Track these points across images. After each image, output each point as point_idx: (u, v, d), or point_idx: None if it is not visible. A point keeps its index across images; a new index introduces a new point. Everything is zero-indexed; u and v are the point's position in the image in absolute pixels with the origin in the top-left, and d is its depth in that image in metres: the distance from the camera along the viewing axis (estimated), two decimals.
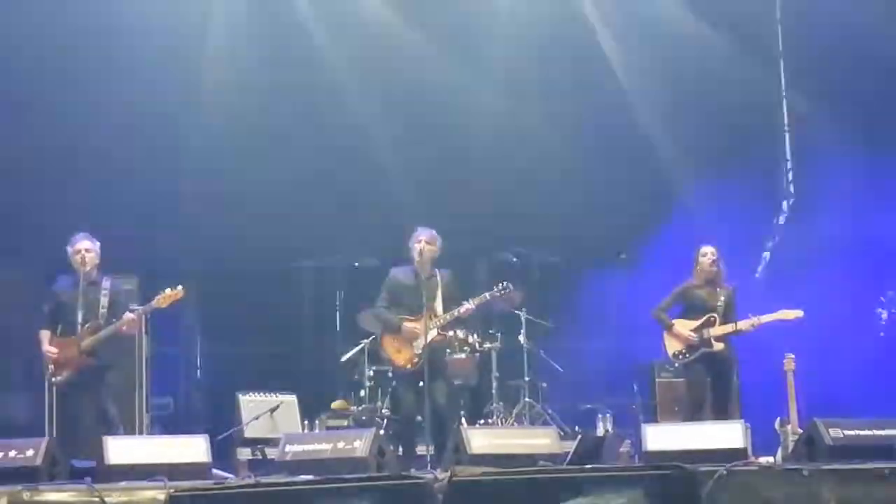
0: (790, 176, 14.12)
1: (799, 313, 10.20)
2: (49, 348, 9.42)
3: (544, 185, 13.36)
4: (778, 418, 9.94)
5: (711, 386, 10.18)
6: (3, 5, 12.70)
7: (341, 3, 13.66)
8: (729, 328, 10.10)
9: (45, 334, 9.54)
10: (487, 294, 9.92)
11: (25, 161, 12.88)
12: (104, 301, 9.45)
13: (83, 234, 9.59)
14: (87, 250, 9.45)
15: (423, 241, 9.70)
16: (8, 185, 12.90)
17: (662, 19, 13.54)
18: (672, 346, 10.28)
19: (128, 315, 9.42)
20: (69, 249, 9.55)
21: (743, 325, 10.08)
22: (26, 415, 11.68)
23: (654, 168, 13.59)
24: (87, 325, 9.37)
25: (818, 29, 13.37)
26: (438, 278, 9.75)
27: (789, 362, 10.11)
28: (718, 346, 10.09)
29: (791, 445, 9.22)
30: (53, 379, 9.42)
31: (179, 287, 9.66)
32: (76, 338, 9.35)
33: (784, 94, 14.09)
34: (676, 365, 10.59)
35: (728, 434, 8.45)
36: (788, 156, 14.10)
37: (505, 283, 9.99)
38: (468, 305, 9.71)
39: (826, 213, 12.87)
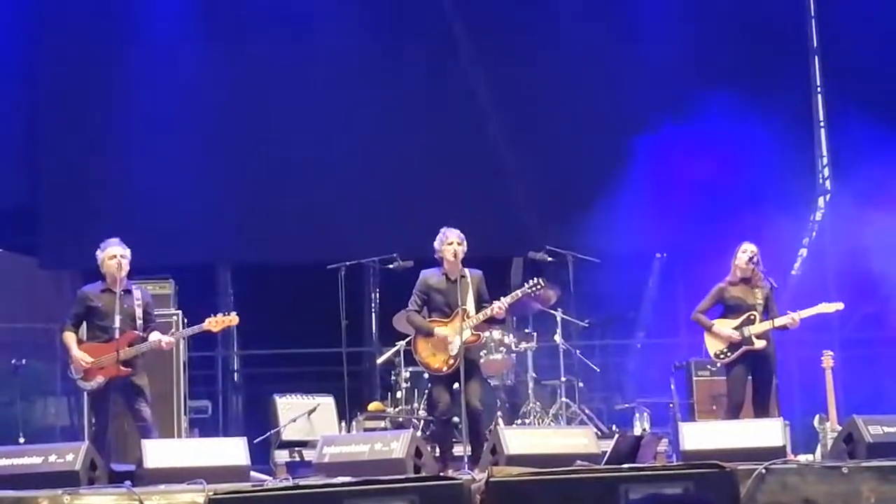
0: (826, 172, 14.04)
1: (839, 306, 10.12)
2: (81, 354, 9.32)
3: (578, 186, 13.32)
4: (817, 416, 9.88)
5: (753, 384, 10.12)
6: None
7: None
8: (768, 325, 10.02)
9: (71, 336, 9.39)
10: (520, 291, 9.89)
11: (60, 167, 12.99)
12: (139, 311, 9.42)
13: (116, 240, 9.51)
14: (122, 256, 9.40)
15: (456, 243, 9.69)
16: (44, 192, 13.02)
17: None
18: (713, 345, 10.22)
19: (165, 339, 9.37)
20: (100, 254, 9.47)
21: (783, 320, 10.01)
22: (65, 420, 11.78)
23: (690, 163, 13.52)
24: (125, 335, 9.29)
25: (853, 27, 13.30)
26: (469, 278, 9.73)
27: (828, 359, 10.04)
28: (760, 343, 10.01)
29: (830, 443, 9.16)
30: (84, 385, 9.34)
31: (234, 314, 9.61)
32: (113, 345, 9.24)
33: (819, 88, 14.00)
34: (719, 364, 10.54)
35: (767, 432, 8.40)
36: (824, 151, 14.02)
37: (537, 280, 9.95)
38: (500, 304, 9.69)
39: (863, 208, 12.77)
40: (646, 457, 8.84)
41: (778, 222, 12.42)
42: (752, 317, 10.10)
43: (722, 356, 10.15)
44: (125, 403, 9.30)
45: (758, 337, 10.03)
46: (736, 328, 10.10)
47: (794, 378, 12.01)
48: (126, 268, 9.38)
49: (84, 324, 9.50)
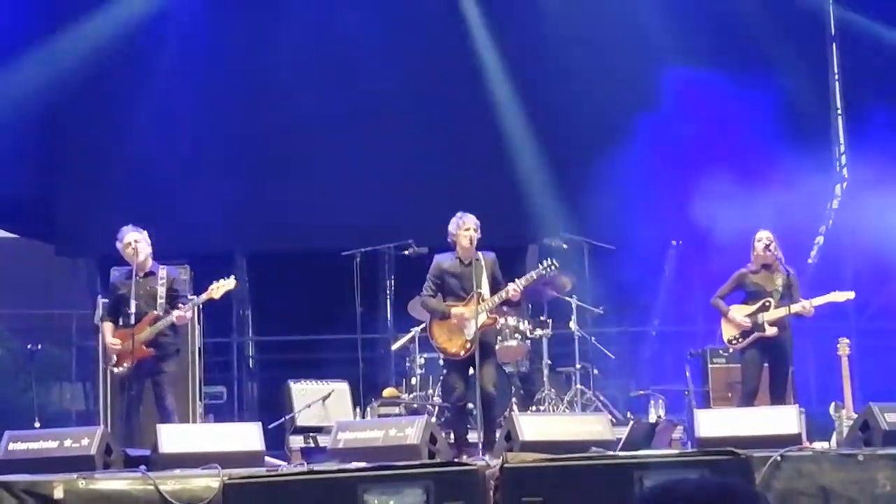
0: (843, 160, 13.98)
1: (850, 295, 10.12)
2: (112, 340, 9.47)
3: (593, 173, 13.29)
4: (833, 403, 9.85)
5: (768, 371, 10.11)
6: None
7: None
8: (783, 311, 10.01)
9: (108, 326, 9.62)
10: (534, 273, 9.88)
11: (74, 155, 13.03)
12: (161, 291, 9.50)
13: (130, 227, 9.63)
14: (136, 241, 9.49)
15: (472, 228, 9.66)
16: (59, 180, 13.06)
17: None
18: (728, 331, 10.24)
19: (177, 313, 9.45)
20: (119, 244, 9.59)
21: (795, 308, 10.00)
22: (80, 404, 11.82)
23: (707, 151, 13.47)
24: (145, 316, 9.41)
25: (871, 12, 13.25)
26: (482, 262, 9.71)
27: (844, 347, 10.02)
28: (772, 330, 10.00)
29: (846, 430, 9.13)
30: (115, 370, 9.48)
31: (231, 277, 9.73)
32: (133, 329, 9.37)
33: (837, 75, 13.94)
34: (731, 351, 10.55)
35: (782, 419, 8.38)
36: (841, 139, 13.96)
37: (552, 261, 9.93)
38: (515, 286, 9.67)
39: (880, 196, 12.72)
40: (661, 444, 8.84)
41: (795, 210, 12.38)
42: (768, 304, 10.09)
43: (735, 342, 10.18)
44: (149, 388, 9.40)
45: (771, 324, 10.02)
46: (751, 314, 10.10)
47: (810, 366, 11.98)
48: (144, 250, 9.50)
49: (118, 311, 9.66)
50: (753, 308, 10.12)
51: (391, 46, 13.55)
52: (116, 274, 9.78)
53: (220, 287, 9.63)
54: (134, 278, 9.38)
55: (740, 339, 10.12)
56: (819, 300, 10.06)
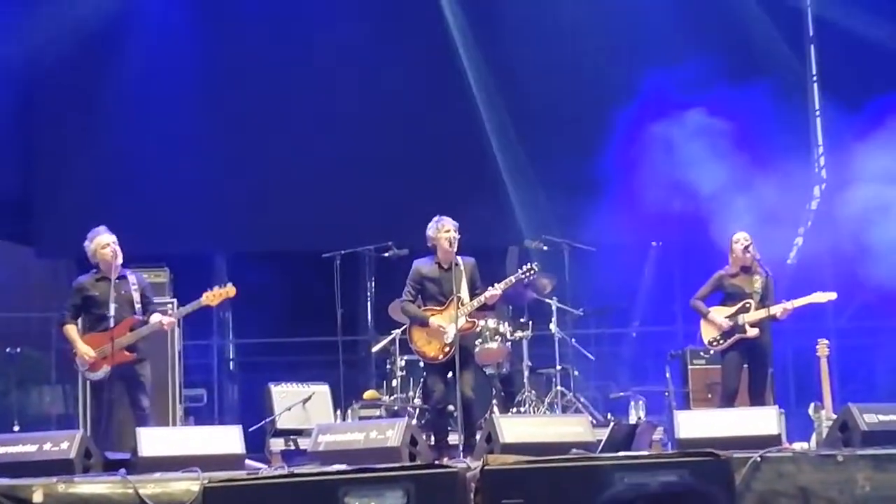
0: (822, 161, 14.03)
1: (832, 295, 10.16)
2: (86, 349, 9.28)
3: (574, 175, 13.31)
4: (812, 404, 9.89)
5: (748, 372, 10.15)
6: None
7: None
8: (763, 313, 10.05)
9: (72, 329, 9.41)
10: (513, 277, 9.91)
11: (56, 157, 12.98)
12: (136, 296, 9.42)
13: (103, 228, 9.47)
14: (114, 243, 9.39)
15: (451, 230, 9.67)
16: (38, 182, 13.01)
17: None
18: (708, 333, 10.28)
19: (165, 318, 9.39)
20: (89, 244, 9.41)
21: (775, 310, 10.05)
22: (60, 408, 11.77)
23: (685, 155, 13.50)
24: (124, 321, 9.31)
25: (849, 12, 13.28)
26: (462, 266, 9.73)
27: (823, 348, 10.06)
28: (753, 331, 10.05)
29: (825, 431, 9.16)
30: (90, 375, 9.36)
31: (230, 285, 9.58)
32: (111, 333, 9.26)
33: (814, 78, 13.98)
34: (712, 352, 10.59)
35: (762, 420, 8.40)
36: (820, 140, 14.00)
37: (531, 265, 9.98)
38: (494, 291, 9.69)
39: (857, 196, 12.77)
40: (641, 445, 8.84)
41: (773, 211, 12.42)
42: (748, 305, 10.14)
43: (715, 343, 10.22)
44: (126, 392, 9.32)
45: (751, 325, 10.07)
46: (731, 316, 10.14)
47: (790, 366, 12.03)
48: (119, 253, 9.37)
49: (82, 314, 9.50)
50: (733, 309, 10.16)
51: (371, 46, 13.53)
52: (83, 276, 9.62)
53: (218, 294, 9.49)
54: (112, 281, 9.27)
55: (721, 341, 10.16)
56: (801, 301, 10.10)
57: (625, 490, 2.93)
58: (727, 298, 10.28)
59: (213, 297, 9.48)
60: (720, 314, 10.20)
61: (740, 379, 10.15)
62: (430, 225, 9.76)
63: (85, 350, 9.26)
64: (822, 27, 13.88)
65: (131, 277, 9.46)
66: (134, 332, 9.28)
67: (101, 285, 9.35)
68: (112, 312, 9.15)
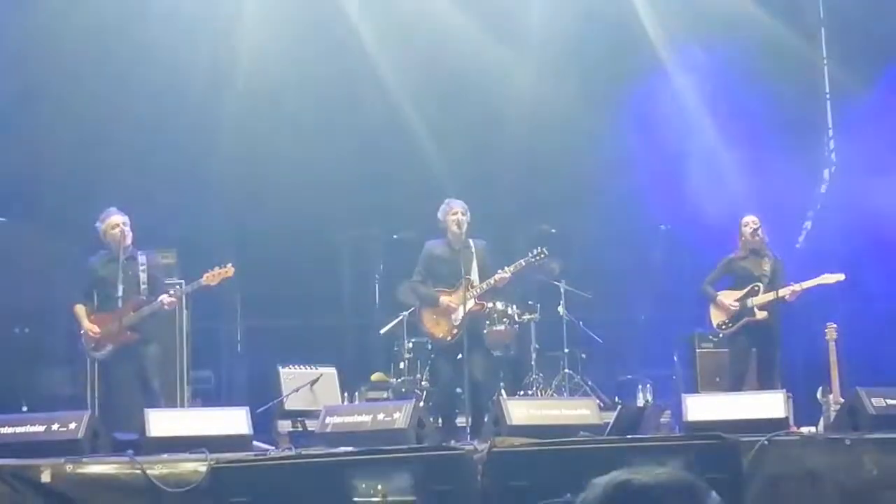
0: (832, 144, 13.98)
1: (840, 277, 10.16)
2: (91, 325, 9.41)
3: (581, 157, 13.28)
4: (820, 388, 9.88)
5: (756, 356, 10.15)
6: None
7: None
8: (771, 296, 10.05)
9: (80, 309, 9.54)
10: (523, 260, 9.91)
11: (64, 137, 12.96)
12: (143, 276, 9.46)
13: (114, 209, 9.58)
14: (123, 223, 9.46)
15: (459, 213, 9.68)
16: (47, 162, 13.00)
17: None
18: (716, 316, 10.29)
19: (167, 298, 9.42)
20: (100, 225, 9.54)
21: (784, 292, 10.04)
22: (68, 388, 11.77)
23: (695, 138, 13.46)
24: (129, 301, 9.38)
25: None
26: (473, 248, 9.73)
27: (831, 331, 10.04)
28: (761, 314, 10.06)
29: (833, 415, 9.16)
30: (95, 354, 9.45)
31: (229, 265, 9.63)
32: (118, 313, 9.34)
33: (825, 60, 13.92)
34: (721, 335, 10.58)
35: (769, 404, 8.39)
36: (830, 123, 13.95)
37: (541, 249, 9.97)
38: (504, 273, 9.69)
39: (868, 180, 12.73)
40: (648, 428, 8.84)
41: (783, 194, 12.39)
42: (756, 288, 10.14)
43: (724, 327, 10.23)
44: (135, 372, 9.38)
45: (760, 308, 10.06)
46: (739, 299, 10.14)
47: (798, 350, 11.99)
48: (129, 234, 9.43)
49: (93, 294, 9.56)
50: (742, 292, 10.16)
51: (379, 36, 13.51)
52: (94, 257, 9.69)
53: (218, 274, 9.55)
54: (120, 260, 9.32)
55: (730, 324, 10.17)
56: (809, 283, 10.10)
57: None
58: (736, 282, 10.29)
59: (212, 276, 9.54)
60: (729, 298, 10.20)
61: (748, 362, 10.14)
62: (440, 208, 9.79)
63: (89, 327, 9.37)
64: (833, 9, 13.80)
65: (141, 258, 9.52)
66: (137, 313, 9.34)
67: (111, 266, 9.43)
68: (120, 293, 9.21)
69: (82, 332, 9.46)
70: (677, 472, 3.01)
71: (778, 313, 10.15)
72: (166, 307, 9.54)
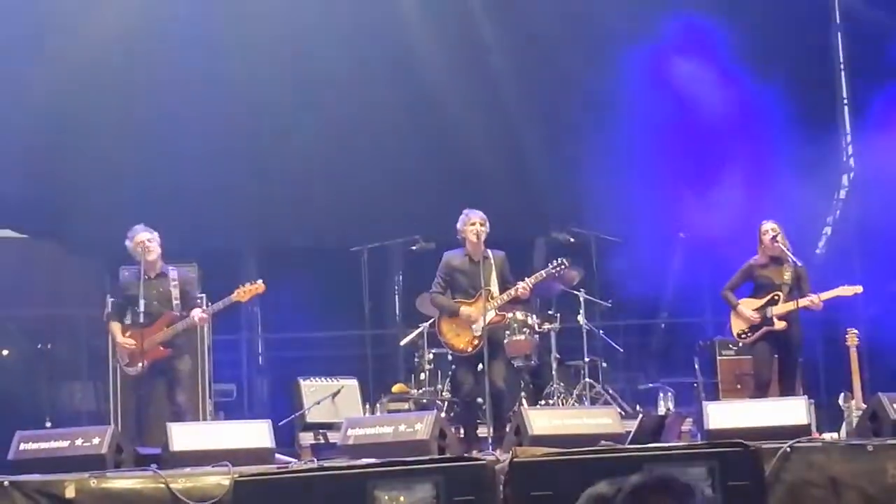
0: (850, 150, 13.95)
1: (858, 289, 10.15)
2: (125, 340, 9.49)
3: (600, 165, 13.28)
4: (842, 394, 9.86)
5: (778, 363, 10.14)
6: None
7: None
8: (791, 306, 10.04)
9: (116, 326, 9.66)
10: (543, 272, 9.92)
11: (83, 155, 13.03)
12: (175, 292, 9.54)
13: (142, 226, 9.67)
14: (149, 240, 9.54)
15: (479, 224, 9.69)
16: (68, 179, 13.06)
17: None
18: (737, 325, 10.30)
19: (199, 314, 9.48)
20: (129, 243, 9.63)
21: (804, 302, 10.03)
22: (91, 404, 11.83)
23: (714, 142, 13.44)
24: (162, 317, 9.46)
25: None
26: (492, 259, 9.74)
27: (853, 337, 10.02)
28: (780, 324, 10.05)
29: (855, 421, 9.13)
30: (129, 370, 9.50)
31: (259, 281, 9.71)
32: (151, 329, 9.43)
33: (842, 66, 13.90)
34: (741, 344, 10.58)
35: (791, 411, 8.38)
36: (848, 129, 13.92)
37: (560, 260, 9.98)
38: (524, 285, 9.69)
39: (887, 185, 12.70)
40: (670, 436, 8.84)
41: (802, 200, 12.37)
42: (777, 297, 10.12)
43: (744, 336, 10.24)
44: (163, 387, 9.44)
45: (780, 318, 10.06)
46: (759, 308, 10.14)
47: (819, 356, 11.98)
48: (155, 250, 9.54)
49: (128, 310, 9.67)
50: (762, 301, 10.16)
51: (396, 42, 13.53)
52: (126, 274, 9.81)
53: (249, 291, 9.64)
54: (142, 277, 9.40)
55: (749, 333, 10.17)
56: (827, 294, 10.09)
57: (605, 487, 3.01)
58: (757, 289, 10.28)
59: (243, 293, 9.60)
60: (749, 307, 10.19)
61: (772, 369, 10.14)
62: (459, 218, 9.80)
63: (123, 341, 9.48)
64: (849, 14, 13.78)
65: (172, 273, 9.62)
66: (170, 328, 9.43)
67: (139, 283, 9.51)
68: (142, 308, 9.29)
69: (116, 347, 9.54)
70: (653, 473, 3.07)
71: (798, 321, 10.14)
72: (199, 323, 9.63)
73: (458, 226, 9.80)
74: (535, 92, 13.61)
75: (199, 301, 9.82)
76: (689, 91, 13.23)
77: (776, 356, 10.17)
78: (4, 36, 12.52)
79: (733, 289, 10.41)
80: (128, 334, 9.56)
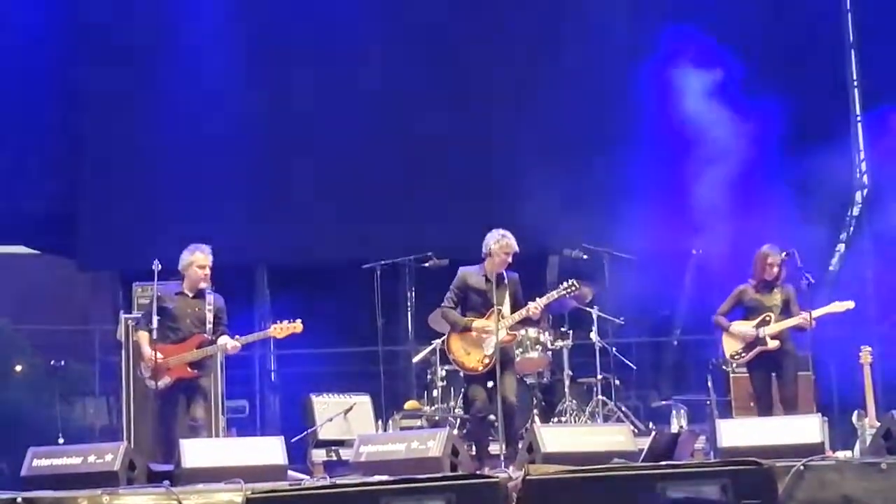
0: (863, 166, 13.93)
1: (850, 305, 10.17)
2: (149, 351, 9.43)
3: (613, 183, 13.28)
4: (855, 412, 9.83)
5: (777, 383, 10.15)
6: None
7: None
8: (782, 325, 10.07)
9: (144, 336, 9.55)
10: (555, 293, 9.90)
11: (100, 173, 13.09)
12: (209, 316, 9.53)
13: (206, 248, 9.62)
14: (210, 267, 9.52)
15: (511, 253, 9.59)
16: (83, 196, 13.12)
17: None
18: (730, 346, 10.34)
19: (231, 343, 9.49)
20: (186, 255, 9.57)
21: (795, 321, 10.04)
22: (103, 420, 11.86)
23: (724, 161, 13.44)
24: (192, 337, 9.44)
25: (889, 18, 13.21)
26: (506, 280, 9.71)
27: (866, 355, 10.00)
28: (773, 343, 10.09)
29: (869, 439, 9.10)
30: (150, 382, 9.46)
31: (298, 321, 9.72)
32: (181, 346, 9.44)
33: (856, 81, 13.90)
34: (734, 365, 10.62)
35: (805, 428, 8.35)
36: (861, 146, 13.91)
37: (572, 281, 9.96)
38: (536, 305, 9.67)
39: None
40: (683, 454, 8.80)
41: (815, 218, 12.35)
42: (768, 318, 10.17)
43: (737, 356, 10.30)
44: (185, 404, 9.43)
45: (772, 337, 10.08)
46: (752, 328, 10.17)
47: (833, 374, 11.94)
48: (206, 277, 9.51)
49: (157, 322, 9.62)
50: (753, 323, 10.18)
51: (408, 58, 13.57)
52: (163, 288, 9.68)
53: (286, 329, 9.68)
54: (190, 296, 9.47)
55: (743, 354, 10.23)
56: (819, 312, 10.08)
57: None
58: (748, 312, 10.32)
59: (280, 330, 9.66)
60: (742, 327, 10.23)
61: (772, 389, 10.15)
62: (491, 235, 9.63)
63: (148, 355, 9.40)
64: (862, 30, 13.79)
65: (209, 297, 9.59)
66: (200, 350, 9.44)
67: (179, 300, 9.55)
68: (187, 330, 9.38)
69: (142, 357, 9.51)
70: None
71: (791, 339, 10.17)
72: (230, 351, 9.62)
73: (490, 243, 9.61)
74: (543, 107, 13.62)
75: (226, 329, 9.76)
76: (702, 107, 13.22)
77: (773, 374, 10.19)
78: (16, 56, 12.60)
79: (724, 314, 10.45)
80: (155, 347, 9.46)
